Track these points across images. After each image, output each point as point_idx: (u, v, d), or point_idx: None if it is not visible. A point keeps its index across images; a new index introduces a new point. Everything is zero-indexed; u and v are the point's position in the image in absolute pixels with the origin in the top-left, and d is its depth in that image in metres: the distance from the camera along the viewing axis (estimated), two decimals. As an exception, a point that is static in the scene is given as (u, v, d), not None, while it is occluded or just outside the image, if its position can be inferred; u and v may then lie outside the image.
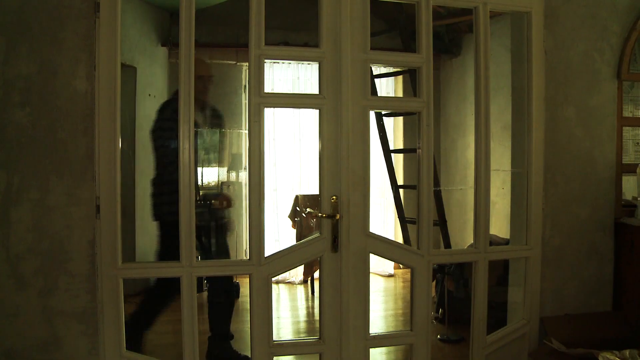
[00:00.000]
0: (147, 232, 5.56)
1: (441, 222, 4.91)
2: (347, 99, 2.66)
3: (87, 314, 2.53)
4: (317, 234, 2.71)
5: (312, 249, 2.73)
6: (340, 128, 2.67)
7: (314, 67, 6.30)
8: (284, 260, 2.72)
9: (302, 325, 4.77)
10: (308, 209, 5.44)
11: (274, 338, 2.71)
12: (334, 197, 2.66)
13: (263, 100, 2.62)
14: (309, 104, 2.83)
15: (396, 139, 6.62)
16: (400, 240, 5.47)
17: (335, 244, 2.68)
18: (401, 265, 6.13)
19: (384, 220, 6.47)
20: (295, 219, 5.66)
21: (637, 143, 3.83)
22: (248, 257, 2.68)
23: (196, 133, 2.73)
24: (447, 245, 4.96)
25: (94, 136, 2.50)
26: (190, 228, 2.58)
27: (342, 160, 2.67)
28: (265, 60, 2.64)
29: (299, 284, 5.95)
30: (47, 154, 2.48)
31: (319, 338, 2.75)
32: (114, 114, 2.49)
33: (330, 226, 2.68)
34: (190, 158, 2.58)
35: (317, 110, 2.68)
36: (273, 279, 2.74)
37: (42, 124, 2.48)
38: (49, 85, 2.48)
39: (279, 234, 6.05)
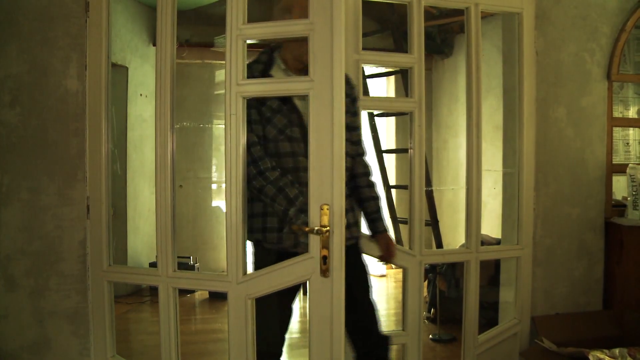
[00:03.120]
0: (139, 233, 5.55)
1: (433, 222, 4.92)
2: (340, 84, 2.14)
3: (78, 314, 2.52)
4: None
5: (298, 269, 2.22)
6: (333, 118, 2.12)
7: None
8: (266, 279, 2.27)
9: (295, 326, 4.76)
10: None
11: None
12: (326, 206, 2.13)
13: (241, 89, 2.22)
14: (295, 89, 2.27)
15: (388, 139, 6.63)
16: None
17: (325, 267, 2.14)
18: (393, 266, 6.15)
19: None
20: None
21: (627, 143, 3.86)
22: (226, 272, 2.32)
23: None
24: (439, 245, 4.98)
25: (85, 136, 2.48)
26: (167, 236, 2.39)
27: (335, 158, 2.13)
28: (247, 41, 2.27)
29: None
30: (37, 154, 2.47)
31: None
32: (104, 114, 2.47)
33: (319, 243, 2.14)
34: (171, 160, 2.37)
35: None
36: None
37: (32, 123, 2.47)
38: (40, 84, 2.46)
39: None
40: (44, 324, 2.50)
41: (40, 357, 2.51)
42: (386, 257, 2.52)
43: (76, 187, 2.49)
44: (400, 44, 4.88)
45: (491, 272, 3.88)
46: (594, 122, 3.21)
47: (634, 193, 3.21)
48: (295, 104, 2.26)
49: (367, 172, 2.47)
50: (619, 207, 3.32)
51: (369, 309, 2.49)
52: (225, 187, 2.27)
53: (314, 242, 2.16)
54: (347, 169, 2.23)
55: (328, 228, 2.10)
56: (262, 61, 2.31)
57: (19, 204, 2.47)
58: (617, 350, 2.74)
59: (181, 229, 5.51)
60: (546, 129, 3.10)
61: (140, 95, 5.53)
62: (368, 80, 5.32)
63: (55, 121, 2.48)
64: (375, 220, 2.46)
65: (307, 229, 2.13)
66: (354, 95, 2.42)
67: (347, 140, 2.20)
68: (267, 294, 2.29)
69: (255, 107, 2.26)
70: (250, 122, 2.25)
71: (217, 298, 5.33)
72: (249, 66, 2.29)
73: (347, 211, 2.22)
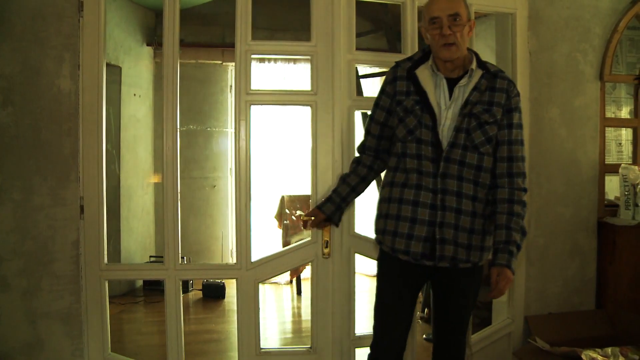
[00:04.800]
0: (132, 234, 5.54)
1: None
2: (339, 95, 2.59)
3: (71, 315, 2.51)
4: (306, 237, 2.64)
5: (302, 253, 2.65)
6: (334, 126, 2.59)
7: (300, 66, 6.31)
8: (272, 265, 2.65)
9: (288, 326, 4.76)
10: (298, 212, 5.39)
11: (261, 339, 2.68)
12: None
13: (250, 97, 2.55)
14: (299, 100, 2.70)
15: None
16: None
17: (326, 250, 2.60)
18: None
19: (369, 220, 6.47)
20: (284, 221, 5.64)
21: (620, 143, 3.87)
22: (234, 261, 2.63)
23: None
24: (433, 245, 4.97)
25: (78, 136, 2.48)
26: (174, 229, 2.55)
27: (335, 159, 2.61)
28: (252, 56, 2.56)
29: (284, 284, 5.94)
30: (30, 154, 2.46)
31: (310, 347, 2.70)
32: (98, 114, 2.48)
33: (321, 230, 2.60)
34: (175, 158, 2.54)
35: (309, 108, 2.61)
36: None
37: (25, 123, 2.45)
38: (32, 84, 2.45)
39: (265, 235, 6.04)
40: (37, 325, 2.49)
41: (32, 358, 2.50)
42: (492, 293, 2.13)
43: (69, 187, 2.49)
44: (394, 44, 4.89)
45: (485, 272, 3.89)
46: (586, 122, 3.22)
47: (626, 193, 3.23)
48: (431, 105, 2.13)
49: (512, 199, 2.14)
50: (612, 207, 3.34)
51: (456, 351, 2.30)
52: (235, 186, 2.59)
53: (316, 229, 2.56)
54: (482, 186, 2.14)
55: None
56: (414, 59, 2.24)
57: (11, 204, 2.45)
58: (609, 350, 2.76)
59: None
60: (539, 129, 3.11)
61: (134, 95, 5.52)
62: (362, 80, 5.33)
63: (48, 121, 2.47)
64: (497, 251, 2.12)
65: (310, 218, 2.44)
66: (511, 105, 2.17)
67: (490, 154, 2.15)
68: (271, 277, 2.73)
69: (390, 97, 2.24)
70: (376, 105, 2.30)
71: (211, 298, 5.32)
72: (398, 64, 2.26)
73: (472, 231, 2.14)
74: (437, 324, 2.32)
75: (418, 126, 2.13)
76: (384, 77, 2.34)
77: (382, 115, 2.28)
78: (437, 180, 2.10)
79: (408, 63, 2.23)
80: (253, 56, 2.60)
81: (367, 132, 2.35)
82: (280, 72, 6.21)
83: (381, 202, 2.25)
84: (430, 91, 2.14)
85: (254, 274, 2.61)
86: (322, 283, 2.63)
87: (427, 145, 2.11)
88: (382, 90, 2.28)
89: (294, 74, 6.16)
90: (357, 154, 2.42)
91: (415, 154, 2.13)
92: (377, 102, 2.30)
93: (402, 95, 2.19)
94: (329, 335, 2.67)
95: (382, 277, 2.29)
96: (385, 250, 2.23)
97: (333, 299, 2.65)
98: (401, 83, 2.20)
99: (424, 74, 2.17)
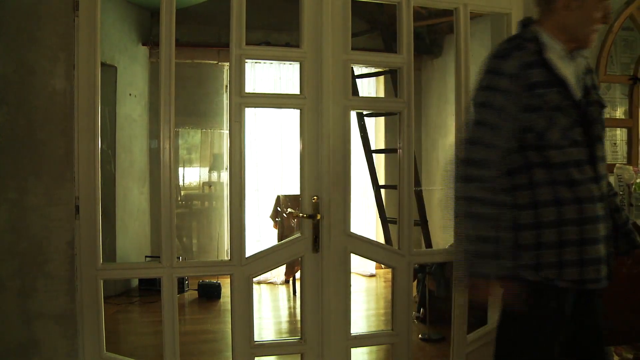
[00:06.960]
0: (128, 233, 5.53)
1: (422, 222, 4.94)
2: (328, 99, 2.66)
3: (66, 315, 2.50)
4: (298, 234, 2.71)
5: (293, 249, 2.73)
6: (321, 128, 2.66)
7: (296, 66, 6.32)
8: (265, 260, 2.72)
9: (284, 326, 4.77)
10: (289, 209, 5.44)
11: (256, 339, 2.70)
12: (315, 197, 2.64)
13: (244, 100, 2.61)
14: (290, 104, 2.83)
15: (378, 139, 6.65)
16: (381, 240, 5.49)
17: (316, 244, 2.68)
18: (382, 265, 6.17)
19: (365, 220, 6.49)
20: (277, 219, 5.66)
21: (615, 144, 3.89)
22: (229, 258, 2.68)
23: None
24: (428, 245, 5.00)
25: (73, 136, 2.47)
26: (171, 227, 2.56)
27: (322, 160, 2.67)
28: (247, 60, 2.63)
29: (280, 284, 5.95)
30: (25, 154, 2.45)
31: (301, 338, 2.76)
32: (93, 114, 2.47)
33: (311, 226, 2.67)
34: (172, 158, 2.56)
35: (299, 110, 2.69)
36: (255, 279, 2.75)
37: (20, 123, 2.45)
38: (27, 84, 2.44)
39: (261, 235, 6.05)
40: (32, 326, 2.48)
41: (27, 358, 2.48)
42: None
43: (64, 187, 2.48)
44: (390, 44, 4.89)
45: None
46: (581, 122, 3.23)
47: (621, 193, 3.24)
48: (574, 97, 1.75)
49: (615, 193, 1.95)
50: (607, 207, 3.35)
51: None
52: (230, 187, 2.64)
53: (307, 225, 2.67)
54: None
55: (319, 216, 2.63)
56: (529, 49, 1.81)
57: (6, 205, 2.44)
58: (604, 349, 2.76)
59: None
60: (534, 129, 3.11)
61: (130, 95, 5.51)
62: (357, 80, 5.34)
63: (43, 121, 2.46)
64: (627, 233, 1.90)
65: (301, 215, 2.63)
66: (603, 102, 1.87)
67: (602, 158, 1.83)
68: (265, 272, 2.84)
69: (514, 93, 1.74)
70: (501, 109, 1.76)
71: (207, 298, 5.32)
72: (519, 46, 1.82)
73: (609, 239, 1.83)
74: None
75: (572, 126, 1.74)
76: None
77: (508, 119, 1.75)
78: (598, 186, 1.77)
79: (530, 44, 1.79)
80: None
81: (490, 145, 1.76)
82: (276, 71, 6.23)
83: (544, 227, 1.76)
84: (571, 80, 1.78)
85: (248, 269, 2.66)
86: (311, 277, 2.72)
87: (582, 147, 1.76)
88: (507, 82, 1.75)
89: (290, 73, 6.17)
90: (479, 180, 1.80)
91: (575, 159, 1.74)
92: (502, 103, 1.75)
93: (543, 88, 1.72)
94: (319, 327, 2.73)
95: (538, 325, 1.87)
96: (564, 286, 1.78)
97: (322, 292, 2.72)
98: (538, 72, 1.74)
99: (556, 57, 1.78)
